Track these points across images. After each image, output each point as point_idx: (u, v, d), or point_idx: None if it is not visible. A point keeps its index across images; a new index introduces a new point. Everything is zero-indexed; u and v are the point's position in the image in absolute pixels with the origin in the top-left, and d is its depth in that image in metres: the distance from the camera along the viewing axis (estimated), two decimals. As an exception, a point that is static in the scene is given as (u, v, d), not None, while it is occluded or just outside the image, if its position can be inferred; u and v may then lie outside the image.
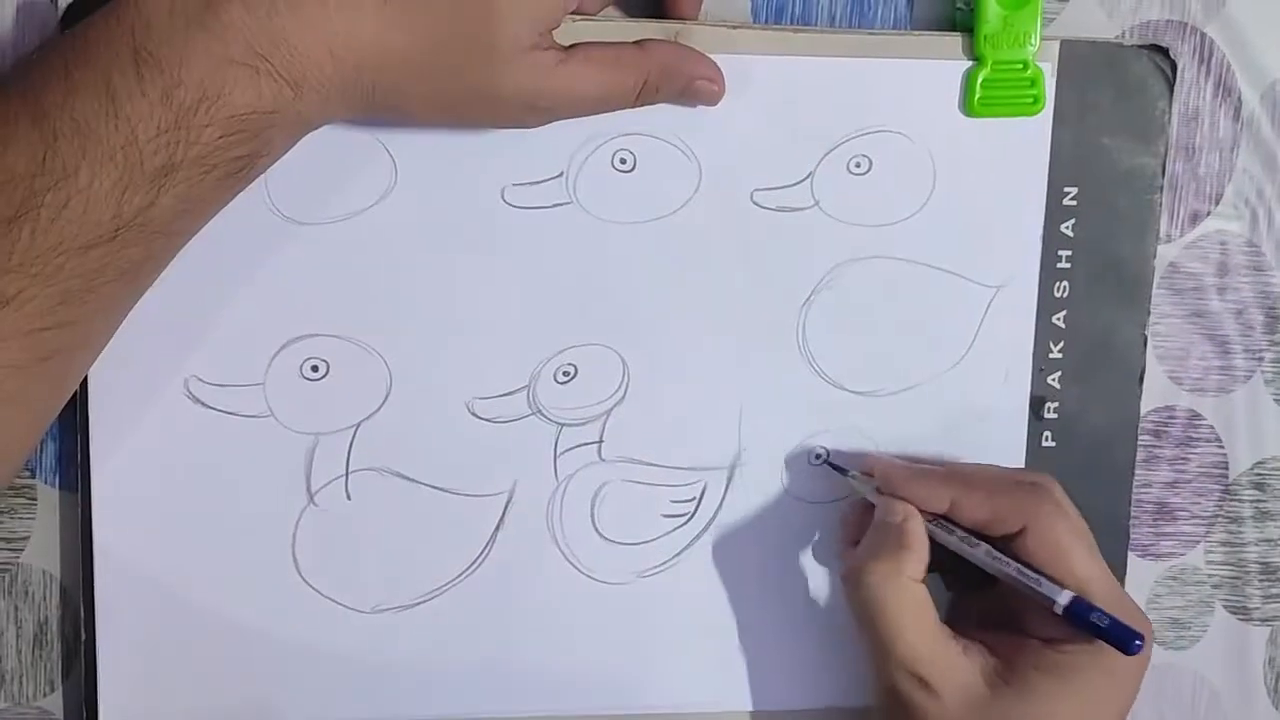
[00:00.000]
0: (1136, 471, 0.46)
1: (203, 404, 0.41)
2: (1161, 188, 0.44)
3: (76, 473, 0.41)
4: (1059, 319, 0.44)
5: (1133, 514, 0.46)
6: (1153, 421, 0.46)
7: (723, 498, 0.43)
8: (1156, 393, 0.46)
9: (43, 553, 0.42)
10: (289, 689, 0.42)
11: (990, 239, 0.43)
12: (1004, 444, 0.44)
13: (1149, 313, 0.44)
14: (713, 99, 0.40)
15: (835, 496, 0.44)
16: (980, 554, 0.39)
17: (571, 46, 0.37)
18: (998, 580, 0.39)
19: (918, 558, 0.38)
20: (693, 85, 0.40)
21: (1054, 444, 0.44)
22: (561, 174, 0.41)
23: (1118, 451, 0.45)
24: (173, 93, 0.33)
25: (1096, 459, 0.45)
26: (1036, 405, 0.44)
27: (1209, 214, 0.46)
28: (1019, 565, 0.38)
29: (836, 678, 0.45)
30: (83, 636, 0.41)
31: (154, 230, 0.34)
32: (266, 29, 0.33)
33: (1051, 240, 0.43)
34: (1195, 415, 0.47)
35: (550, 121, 0.39)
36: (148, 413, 0.40)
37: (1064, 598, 0.37)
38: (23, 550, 0.42)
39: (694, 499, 0.43)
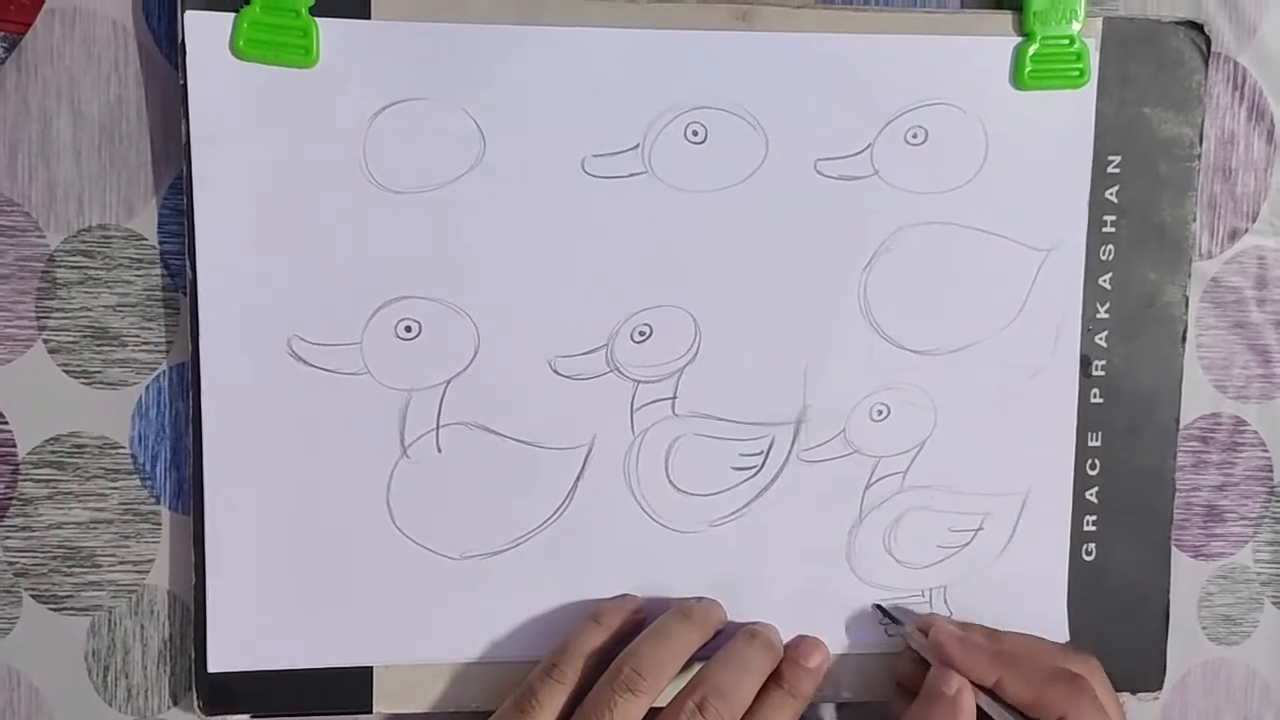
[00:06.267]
0: (1186, 476, 0.49)
1: (304, 362, 0.43)
2: (1199, 155, 0.46)
3: (188, 430, 0.44)
4: (1105, 280, 0.46)
5: (1184, 518, 0.49)
6: (1200, 428, 0.49)
7: (789, 451, 0.46)
8: (1202, 400, 0.49)
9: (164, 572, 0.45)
10: (385, 631, 0.45)
11: (1040, 205, 0.46)
12: (1055, 401, 0.47)
13: (1190, 274, 0.47)
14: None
15: (900, 450, 0.46)
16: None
17: None
18: None
19: None
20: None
21: (1101, 400, 0.47)
22: (637, 145, 0.44)
23: (1162, 407, 0.47)
24: None
25: (1142, 415, 0.47)
26: (1084, 364, 0.47)
27: (1246, 231, 0.49)
28: None
29: (893, 622, 0.47)
30: (193, 580, 0.44)
31: None
32: None
33: (1097, 206, 0.46)
34: (1240, 421, 0.49)
35: None
36: (254, 370, 0.43)
37: None
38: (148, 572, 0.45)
39: (762, 452, 0.46)
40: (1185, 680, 0.50)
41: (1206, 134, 0.47)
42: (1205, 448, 0.49)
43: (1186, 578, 0.49)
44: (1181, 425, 0.48)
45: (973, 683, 0.42)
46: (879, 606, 0.46)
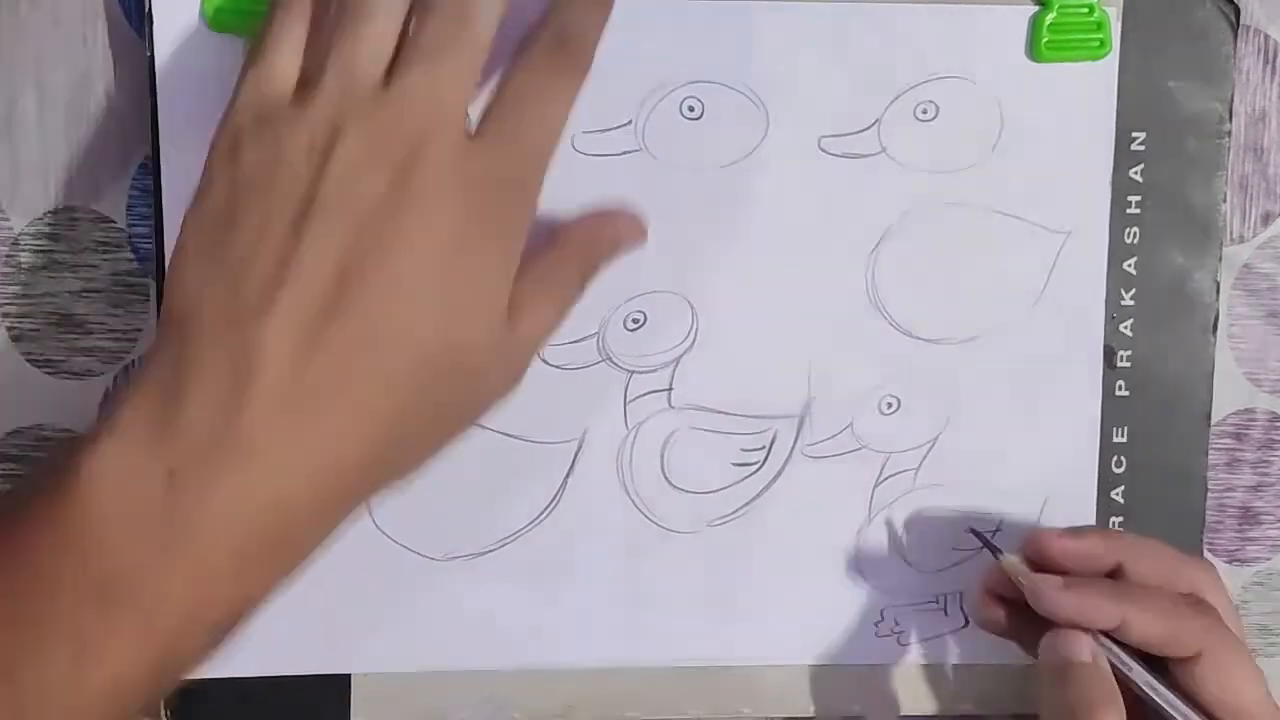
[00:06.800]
0: (1218, 476, 0.46)
1: (279, 350, 0.41)
2: (1229, 131, 0.43)
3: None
4: (1130, 265, 0.44)
5: (1217, 520, 0.46)
6: (1233, 424, 0.46)
7: (792, 446, 0.43)
8: (1236, 395, 0.46)
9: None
10: (364, 637, 0.42)
11: (1059, 184, 0.43)
12: (1077, 393, 0.44)
13: (1220, 259, 0.44)
14: (638, 241, 0.39)
15: (911, 445, 0.43)
16: (1141, 679, 0.37)
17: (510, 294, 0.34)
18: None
19: (1119, 707, 0.36)
20: (618, 246, 0.39)
21: (1128, 393, 0.44)
22: (630, 121, 0.41)
23: (1193, 400, 0.44)
24: (151, 625, 0.30)
25: (1171, 410, 0.44)
26: (1109, 354, 0.44)
27: None
28: (1182, 698, 0.37)
29: (906, 631, 0.44)
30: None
31: None
32: (244, 503, 0.30)
33: (1121, 185, 0.43)
34: (1276, 417, 0.46)
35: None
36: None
37: None
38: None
39: (764, 447, 0.43)
40: None
41: (1236, 111, 0.44)
42: (1239, 445, 0.46)
43: None
44: (1213, 422, 0.45)
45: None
46: (974, 530, 0.42)
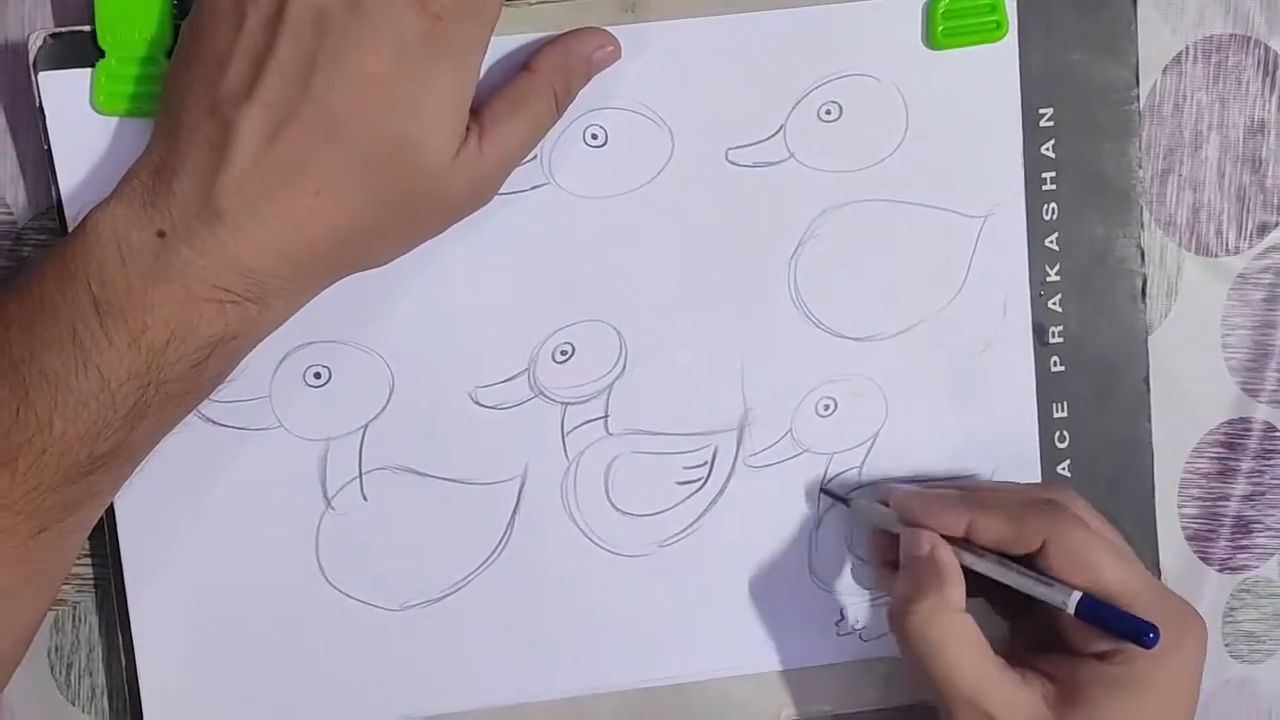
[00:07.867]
0: (1211, 484, 0.46)
1: (213, 422, 0.41)
2: (1137, 96, 0.43)
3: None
4: (1051, 241, 0.44)
5: (1209, 529, 0.46)
6: (1225, 434, 0.46)
7: (735, 459, 0.43)
8: (1229, 405, 0.46)
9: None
10: (328, 695, 0.43)
11: (971, 169, 0.43)
12: (1011, 375, 0.44)
13: (1142, 225, 0.44)
14: (613, 59, 0.40)
15: (852, 444, 0.44)
16: (991, 566, 0.39)
17: (477, 111, 0.37)
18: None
19: (956, 586, 0.38)
20: (592, 64, 0.40)
21: (1063, 368, 0.44)
22: (535, 156, 0.41)
23: (1129, 368, 0.44)
24: (140, 338, 0.34)
25: (1109, 379, 0.44)
26: (1040, 332, 0.44)
27: (1277, 225, 0.45)
28: (1033, 574, 0.38)
29: (868, 626, 0.44)
30: (123, 662, 0.42)
31: (127, 455, 0.36)
32: (220, 262, 0.34)
33: (1033, 163, 0.43)
34: (1270, 428, 0.46)
35: (501, 185, 0.39)
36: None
37: (1073, 599, 0.37)
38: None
39: (706, 463, 0.43)
40: (1208, 703, 0.46)
41: (1235, 123, 0.44)
42: (1233, 454, 0.46)
43: (1211, 592, 0.46)
44: (1206, 430, 0.45)
45: (948, 537, 0.39)
46: (825, 490, 0.43)
